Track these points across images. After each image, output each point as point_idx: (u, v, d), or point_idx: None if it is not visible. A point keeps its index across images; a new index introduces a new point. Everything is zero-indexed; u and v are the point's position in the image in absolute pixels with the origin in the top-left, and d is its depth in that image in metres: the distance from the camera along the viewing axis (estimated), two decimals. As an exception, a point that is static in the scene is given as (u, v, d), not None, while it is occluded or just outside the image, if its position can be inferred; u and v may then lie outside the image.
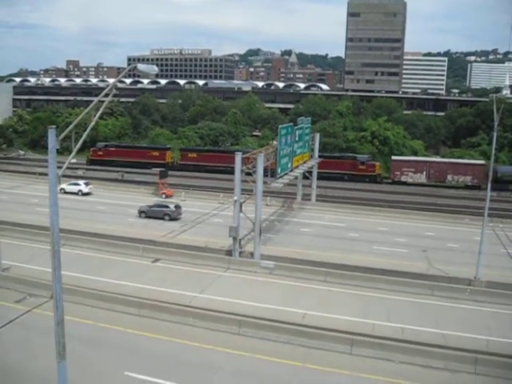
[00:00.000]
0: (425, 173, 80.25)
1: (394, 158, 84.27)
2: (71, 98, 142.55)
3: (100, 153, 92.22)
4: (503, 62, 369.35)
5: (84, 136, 14.63)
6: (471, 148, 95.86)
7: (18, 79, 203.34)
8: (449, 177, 79.52)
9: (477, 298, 32.38)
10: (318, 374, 22.94)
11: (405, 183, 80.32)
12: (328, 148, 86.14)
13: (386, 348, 24.66)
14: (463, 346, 25.14)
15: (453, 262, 39.63)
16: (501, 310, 30.82)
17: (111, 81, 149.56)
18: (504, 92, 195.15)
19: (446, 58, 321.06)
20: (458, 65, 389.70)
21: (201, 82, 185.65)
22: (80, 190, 62.49)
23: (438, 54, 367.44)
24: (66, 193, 60.26)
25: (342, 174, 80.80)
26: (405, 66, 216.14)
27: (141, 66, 13.83)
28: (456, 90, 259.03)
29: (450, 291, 33.15)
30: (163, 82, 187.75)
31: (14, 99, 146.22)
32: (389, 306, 30.97)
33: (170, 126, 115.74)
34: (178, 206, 52.55)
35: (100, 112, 14.73)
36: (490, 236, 44.49)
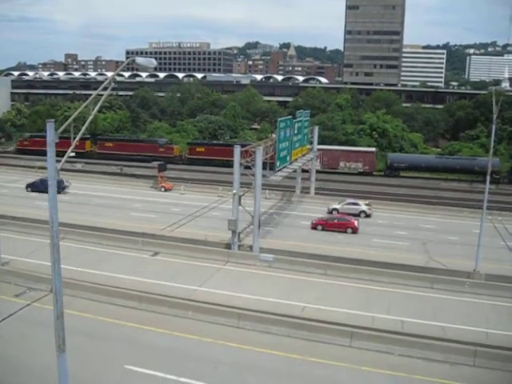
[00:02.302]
0: (318, 160, 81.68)
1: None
2: (70, 91, 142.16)
3: (26, 143, 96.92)
4: (502, 55, 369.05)
5: (83, 129, 14.60)
6: (470, 141, 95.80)
7: (16, 73, 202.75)
8: (341, 164, 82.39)
9: (476, 291, 32.44)
10: (318, 366, 22.98)
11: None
12: (326, 141, 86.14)
13: (385, 341, 24.71)
14: (462, 339, 25.18)
15: (452, 255, 39.73)
16: (500, 303, 30.89)
17: (110, 74, 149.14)
18: (503, 84, 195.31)
19: (444, 51, 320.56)
20: (456, 57, 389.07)
21: (199, 76, 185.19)
22: None
23: (437, 47, 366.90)
24: None
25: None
26: (404, 59, 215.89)
27: (139, 60, 13.74)
28: (455, 83, 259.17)
29: (449, 284, 33.20)
30: (162, 75, 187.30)
31: (12, 93, 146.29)
32: (388, 298, 31.02)
33: (169, 120, 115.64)
34: None
35: (98, 105, 14.66)
36: (488, 229, 44.61)
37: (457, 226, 49.05)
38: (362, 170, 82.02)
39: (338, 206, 51.48)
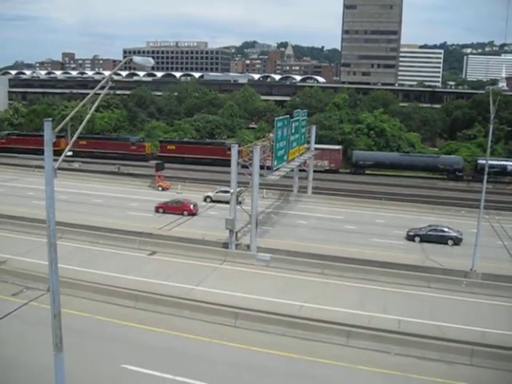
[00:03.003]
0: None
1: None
2: (67, 90, 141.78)
3: (3, 141, 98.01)
4: (499, 55, 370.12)
5: (80, 129, 14.56)
6: (467, 140, 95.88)
7: (13, 72, 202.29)
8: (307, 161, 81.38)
9: (473, 290, 32.52)
10: (315, 365, 23.01)
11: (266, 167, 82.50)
12: (324, 140, 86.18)
13: (382, 340, 24.75)
14: (459, 338, 25.26)
15: (449, 254, 39.79)
16: (496, 302, 30.99)
17: (107, 73, 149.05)
18: (500, 84, 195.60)
19: (442, 51, 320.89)
20: (454, 57, 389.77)
21: (197, 75, 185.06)
22: None
23: (435, 46, 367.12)
24: None
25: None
26: (401, 59, 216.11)
27: (137, 59, 13.72)
28: (452, 83, 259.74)
29: (446, 283, 33.27)
30: (159, 74, 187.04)
31: (9, 92, 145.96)
32: (385, 298, 31.07)
33: (166, 119, 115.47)
34: None
35: (96, 105, 14.63)
36: (486, 228, 44.68)
37: (454, 226, 49.07)
38: (328, 168, 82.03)
39: (211, 194, 56.49)
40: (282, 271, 35.25)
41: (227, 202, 51.36)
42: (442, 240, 43.27)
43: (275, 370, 22.71)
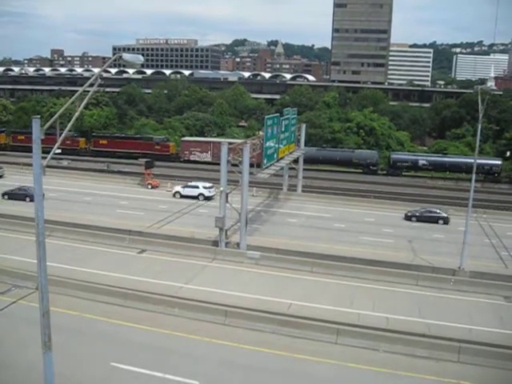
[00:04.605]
0: (209, 152, 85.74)
1: (183, 139, 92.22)
2: (56, 87, 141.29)
3: None
4: (488, 54, 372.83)
5: (69, 126, 14.53)
6: (456, 139, 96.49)
7: (1, 68, 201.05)
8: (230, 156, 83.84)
9: (461, 288, 32.71)
10: (304, 363, 23.09)
11: (193, 161, 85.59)
12: (313, 139, 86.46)
13: (371, 337, 24.87)
14: (447, 335, 25.44)
15: (438, 253, 40.01)
16: (484, 300, 31.23)
17: (96, 70, 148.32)
18: (489, 84, 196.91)
19: (431, 50, 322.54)
20: (443, 56, 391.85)
21: (187, 72, 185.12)
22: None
23: (424, 46, 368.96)
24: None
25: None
26: (391, 58, 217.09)
27: (126, 56, 13.68)
28: (441, 82, 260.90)
29: (434, 281, 33.48)
30: (149, 71, 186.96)
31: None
32: (374, 295, 31.20)
33: (156, 117, 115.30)
34: None
35: (85, 102, 14.63)
36: (474, 226, 44.95)
37: (443, 224, 49.34)
38: (251, 163, 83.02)
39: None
40: (271, 269, 35.30)
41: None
42: (21, 198, 50.67)
43: (264, 367, 22.75)
